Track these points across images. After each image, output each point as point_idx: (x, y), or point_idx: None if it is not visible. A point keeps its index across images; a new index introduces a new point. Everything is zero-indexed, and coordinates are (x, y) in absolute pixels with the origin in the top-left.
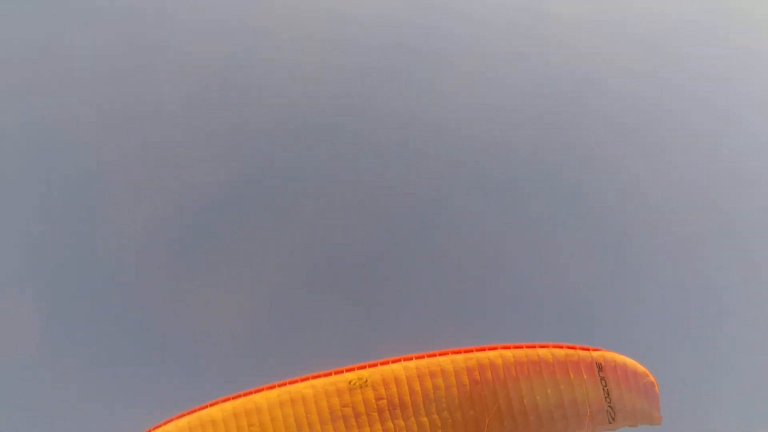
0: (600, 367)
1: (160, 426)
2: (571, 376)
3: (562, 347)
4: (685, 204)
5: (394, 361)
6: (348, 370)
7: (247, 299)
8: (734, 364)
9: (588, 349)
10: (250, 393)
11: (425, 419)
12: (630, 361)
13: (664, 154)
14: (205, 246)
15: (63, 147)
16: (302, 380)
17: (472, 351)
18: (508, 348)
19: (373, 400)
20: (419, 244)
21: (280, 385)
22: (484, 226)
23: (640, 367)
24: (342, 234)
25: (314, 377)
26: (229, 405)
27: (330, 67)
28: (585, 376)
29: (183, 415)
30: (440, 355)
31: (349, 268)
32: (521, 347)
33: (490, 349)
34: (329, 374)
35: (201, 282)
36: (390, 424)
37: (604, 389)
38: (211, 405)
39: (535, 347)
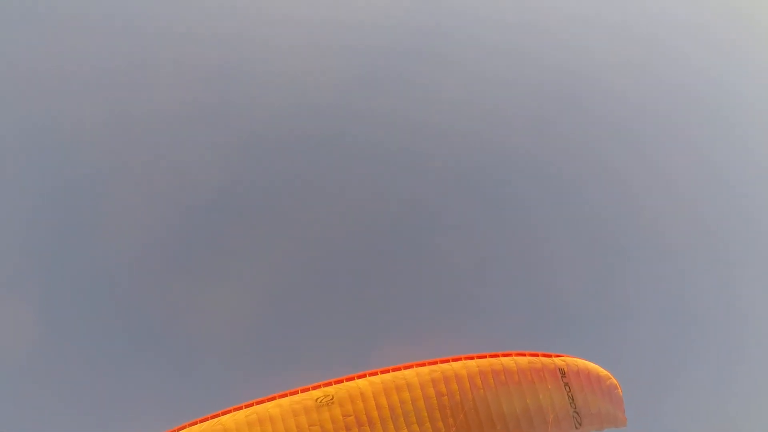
0: (563, 373)
1: None
2: (535, 384)
3: (524, 355)
4: (667, 206)
5: (359, 377)
6: (314, 388)
7: (238, 303)
8: (701, 363)
9: (550, 356)
10: (217, 415)
11: None
12: (591, 365)
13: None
14: (206, 250)
15: (63, 149)
16: (269, 399)
17: (436, 363)
18: (472, 358)
19: (341, 418)
20: (391, 252)
21: (246, 406)
22: (455, 234)
23: (602, 371)
24: (316, 243)
25: (281, 396)
26: (197, 428)
27: (326, 71)
28: (549, 383)
29: None
30: (405, 368)
31: (320, 278)
32: (485, 356)
33: (454, 360)
34: (296, 392)
35: (198, 285)
36: None
37: (568, 394)
38: (179, 429)
39: (498, 356)
